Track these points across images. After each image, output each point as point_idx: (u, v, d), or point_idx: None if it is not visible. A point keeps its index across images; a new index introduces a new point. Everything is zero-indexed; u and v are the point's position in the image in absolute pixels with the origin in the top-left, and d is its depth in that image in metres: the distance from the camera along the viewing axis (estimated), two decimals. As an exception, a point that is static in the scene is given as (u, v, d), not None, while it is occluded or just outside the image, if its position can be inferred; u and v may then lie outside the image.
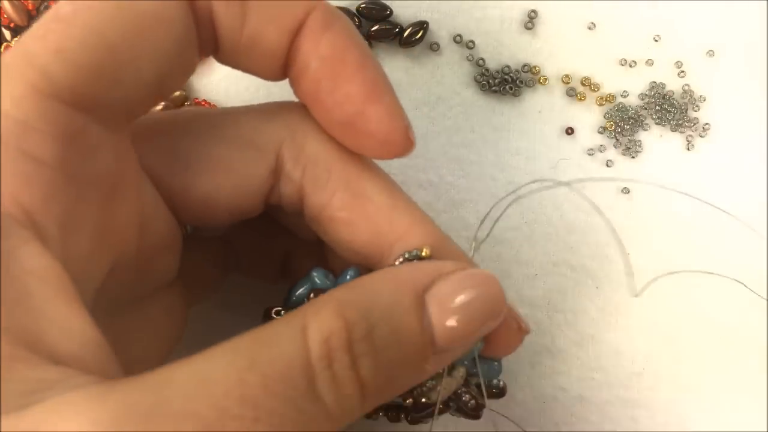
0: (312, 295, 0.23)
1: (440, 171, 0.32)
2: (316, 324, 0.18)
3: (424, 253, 0.22)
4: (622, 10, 0.33)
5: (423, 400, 0.24)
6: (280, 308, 0.26)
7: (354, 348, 0.18)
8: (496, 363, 0.26)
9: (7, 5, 0.31)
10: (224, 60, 0.22)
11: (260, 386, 0.17)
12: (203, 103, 0.32)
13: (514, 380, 0.32)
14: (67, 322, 0.17)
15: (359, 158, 0.23)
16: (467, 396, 0.25)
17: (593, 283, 0.32)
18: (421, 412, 0.25)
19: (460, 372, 0.24)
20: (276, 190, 0.24)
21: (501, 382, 0.26)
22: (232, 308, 0.31)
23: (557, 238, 0.32)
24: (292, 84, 0.23)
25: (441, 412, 0.27)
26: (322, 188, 0.23)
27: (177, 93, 0.32)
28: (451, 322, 0.20)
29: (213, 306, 0.31)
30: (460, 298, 0.20)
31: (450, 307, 0.20)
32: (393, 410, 0.27)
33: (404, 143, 0.22)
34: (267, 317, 0.26)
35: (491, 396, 0.26)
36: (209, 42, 0.21)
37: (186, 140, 0.22)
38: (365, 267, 0.24)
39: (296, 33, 0.21)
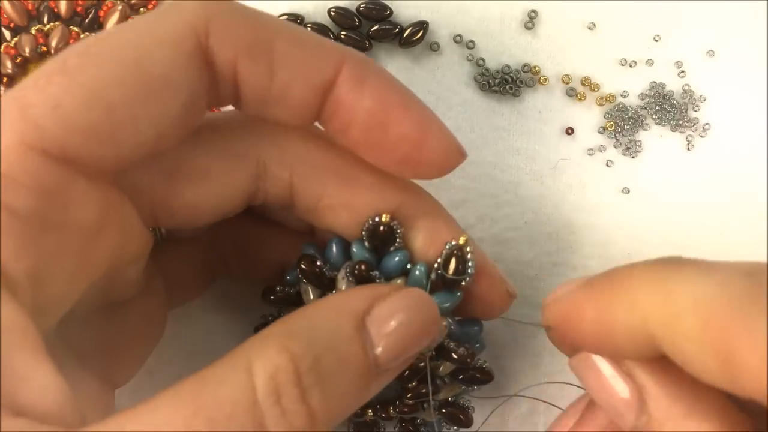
0: (353, 271, 0.24)
1: (440, 171, 0.32)
2: (261, 361, 0.18)
3: (384, 218, 0.24)
4: (622, 10, 0.33)
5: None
6: (277, 286, 0.27)
7: (302, 380, 0.18)
8: (476, 327, 0.26)
9: (7, 5, 0.31)
10: (247, 110, 0.22)
11: (207, 428, 0.17)
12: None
13: (514, 380, 0.32)
14: (32, 374, 0.17)
15: (343, 149, 0.24)
16: (453, 346, 0.26)
17: (593, 283, 0.32)
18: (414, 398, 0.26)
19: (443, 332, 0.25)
20: (260, 192, 0.24)
21: (485, 363, 0.27)
22: (224, 310, 0.31)
23: (557, 238, 0.32)
24: (331, 131, 0.22)
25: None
26: (314, 182, 0.24)
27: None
28: (391, 344, 0.21)
29: (206, 307, 0.31)
30: (397, 319, 0.21)
31: (388, 330, 0.21)
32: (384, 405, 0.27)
33: (459, 159, 0.23)
34: (266, 296, 0.27)
35: (477, 381, 0.27)
36: (228, 98, 0.21)
37: (166, 151, 0.22)
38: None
39: (327, 90, 0.21)
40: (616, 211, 0.32)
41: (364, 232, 0.24)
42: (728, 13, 0.33)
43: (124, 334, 0.24)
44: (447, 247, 0.24)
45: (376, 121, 0.22)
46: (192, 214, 0.23)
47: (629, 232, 0.32)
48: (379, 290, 0.22)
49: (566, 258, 0.32)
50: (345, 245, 0.25)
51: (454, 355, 0.25)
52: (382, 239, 0.24)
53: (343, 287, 0.24)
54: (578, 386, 0.23)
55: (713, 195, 0.32)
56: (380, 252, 0.25)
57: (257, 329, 0.28)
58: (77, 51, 0.19)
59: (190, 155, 0.23)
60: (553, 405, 0.28)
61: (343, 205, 0.24)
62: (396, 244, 0.24)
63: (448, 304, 0.25)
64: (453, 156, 0.23)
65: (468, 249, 0.24)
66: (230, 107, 0.23)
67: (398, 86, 0.22)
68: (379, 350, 0.21)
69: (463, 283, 0.25)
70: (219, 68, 0.20)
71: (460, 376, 0.27)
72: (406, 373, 0.25)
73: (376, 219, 0.24)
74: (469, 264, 0.24)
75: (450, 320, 0.25)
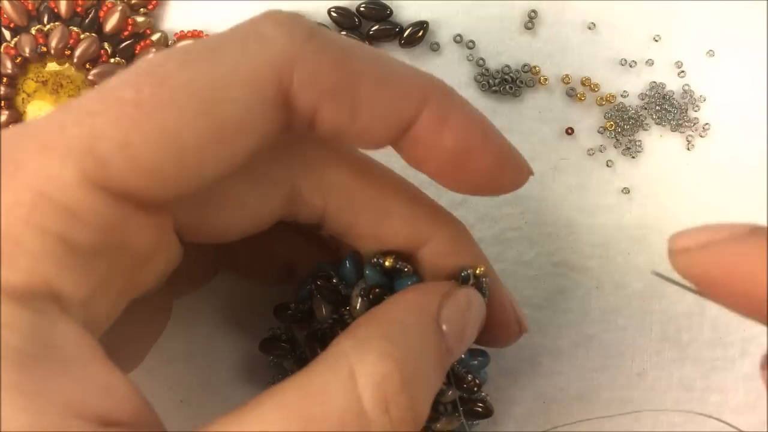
0: (368, 293, 0.24)
1: (440, 171, 0.32)
2: (364, 368, 0.18)
3: (387, 263, 0.24)
4: (622, 10, 0.33)
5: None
6: (290, 303, 0.27)
7: (409, 387, 0.19)
8: (483, 358, 0.27)
9: (7, 5, 0.31)
10: (317, 137, 0.21)
11: None
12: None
13: (514, 380, 0.32)
14: (108, 384, 0.17)
15: (379, 176, 0.24)
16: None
17: (593, 283, 0.32)
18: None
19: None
20: (290, 214, 0.24)
21: (487, 396, 0.27)
22: (224, 309, 0.31)
23: (557, 238, 0.32)
24: (405, 159, 0.22)
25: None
26: (347, 212, 0.23)
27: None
28: (460, 339, 0.22)
29: (206, 306, 0.31)
30: (464, 318, 0.23)
31: (458, 328, 0.22)
32: None
33: (527, 178, 0.23)
34: (278, 313, 0.27)
35: (477, 415, 0.27)
36: (300, 130, 0.20)
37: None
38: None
39: (408, 128, 0.21)
40: (616, 211, 0.32)
41: (375, 259, 0.24)
42: (728, 13, 0.33)
43: (128, 327, 0.24)
44: (463, 274, 0.24)
45: (455, 159, 0.21)
46: (219, 235, 0.23)
47: (629, 232, 0.32)
48: (444, 288, 0.23)
49: (566, 258, 0.32)
50: (359, 262, 0.25)
51: (463, 383, 0.26)
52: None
53: (358, 306, 0.24)
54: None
55: (713, 195, 0.32)
56: (392, 275, 0.25)
57: (266, 341, 0.28)
58: (154, 78, 0.18)
59: (226, 180, 0.22)
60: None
61: (373, 235, 0.24)
62: (406, 270, 0.24)
63: None
64: (524, 178, 0.23)
65: (484, 279, 0.24)
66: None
67: (478, 122, 0.22)
68: (449, 345, 0.22)
69: None
70: (298, 110, 0.19)
71: (462, 407, 0.27)
72: None
73: (381, 261, 0.24)
74: (485, 293, 0.25)
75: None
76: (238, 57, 0.19)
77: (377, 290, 0.24)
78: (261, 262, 0.28)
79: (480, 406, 0.27)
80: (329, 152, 0.23)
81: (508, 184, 0.23)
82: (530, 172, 0.23)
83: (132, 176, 0.17)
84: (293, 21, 0.20)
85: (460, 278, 0.24)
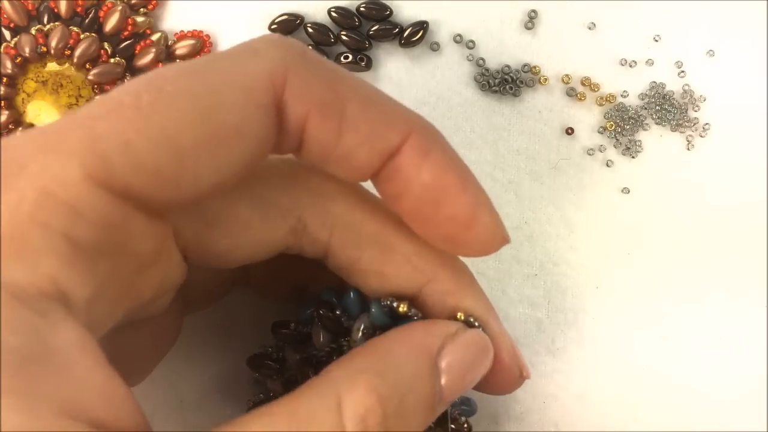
0: (371, 334, 0.24)
1: (440, 171, 0.32)
2: (351, 400, 0.19)
3: (401, 309, 0.23)
4: (622, 10, 0.33)
5: None
6: (290, 322, 0.26)
7: (389, 423, 0.19)
8: (469, 407, 0.27)
9: (7, 5, 0.31)
10: (304, 160, 0.22)
11: None
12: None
13: (514, 380, 0.32)
14: (104, 387, 0.17)
15: (384, 213, 0.24)
16: None
17: (593, 283, 0.32)
18: None
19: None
20: (296, 245, 0.24)
21: (466, 423, 0.27)
22: (224, 318, 0.31)
23: (557, 237, 0.32)
24: (383, 194, 0.22)
25: None
26: (352, 247, 0.23)
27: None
28: (456, 382, 0.22)
29: (206, 314, 0.31)
30: (465, 363, 0.22)
31: (458, 372, 0.22)
32: None
33: (502, 244, 0.23)
34: (276, 330, 0.27)
35: None
36: (290, 148, 0.21)
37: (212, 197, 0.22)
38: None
39: (391, 156, 0.21)
40: (616, 211, 0.32)
41: (387, 302, 0.24)
42: (728, 13, 0.33)
43: (136, 344, 0.24)
44: (463, 318, 0.24)
45: (430, 197, 0.21)
46: (223, 260, 0.23)
47: (629, 232, 0.32)
48: (449, 329, 0.23)
49: (566, 258, 0.32)
50: (363, 295, 0.25)
51: (453, 426, 0.26)
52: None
53: (358, 338, 0.24)
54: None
55: (713, 195, 0.32)
56: (398, 318, 0.24)
57: (255, 357, 0.28)
58: (153, 86, 0.18)
59: (233, 204, 0.22)
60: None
61: (377, 272, 0.24)
62: (416, 318, 0.24)
63: None
64: (498, 242, 0.23)
65: (477, 324, 0.24)
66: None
67: (459, 165, 0.22)
68: (444, 387, 0.21)
69: None
70: (289, 121, 0.20)
71: None
72: None
73: (394, 304, 0.24)
74: None
75: None
76: (234, 66, 0.19)
77: (379, 332, 0.24)
78: (274, 280, 0.28)
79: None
80: (336, 186, 0.23)
81: (480, 243, 0.22)
82: (506, 239, 0.23)
83: (134, 174, 0.18)
84: (286, 40, 0.20)
85: (463, 322, 0.24)
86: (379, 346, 0.21)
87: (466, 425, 0.26)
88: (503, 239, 0.23)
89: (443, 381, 0.21)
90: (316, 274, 0.26)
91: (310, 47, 0.21)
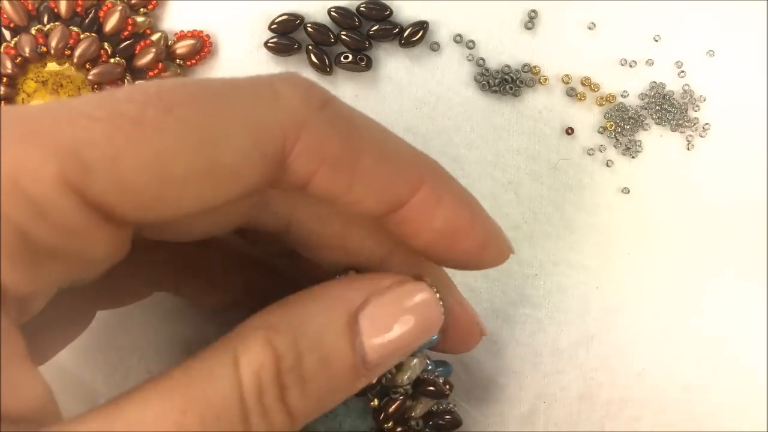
0: None
1: (440, 171, 0.32)
2: (247, 356, 0.18)
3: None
4: (622, 10, 0.33)
5: (391, 384, 0.25)
6: None
7: (282, 379, 0.18)
8: (446, 368, 0.27)
9: (7, 5, 0.31)
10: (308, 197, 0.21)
11: (198, 427, 0.17)
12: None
13: (515, 380, 0.32)
14: (24, 383, 0.17)
15: None
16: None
17: (593, 283, 0.32)
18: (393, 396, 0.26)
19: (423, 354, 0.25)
20: (257, 219, 0.23)
21: (453, 406, 0.27)
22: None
23: (557, 238, 0.32)
24: (395, 234, 0.22)
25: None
26: (315, 221, 0.23)
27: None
28: (384, 343, 0.20)
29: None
30: (394, 320, 0.20)
31: (383, 330, 0.20)
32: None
33: (507, 257, 0.23)
34: None
35: (445, 427, 0.27)
36: (291, 188, 0.20)
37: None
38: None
39: (400, 206, 0.21)
40: (616, 211, 0.32)
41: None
42: (728, 13, 0.33)
43: (49, 324, 0.24)
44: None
45: (442, 239, 0.21)
46: (179, 232, 0.22)
47: (629, 232, 0.32)
48: (380, 283, 0.21)
49: (566, 258, 0.32)
50: None
51: (432, 388, 0.25)
52: None
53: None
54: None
55: (713, 195, 0.32)
56: None
57: None
58: (161, 103, 0.17)
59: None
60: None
61: (339, 246, 0.23)
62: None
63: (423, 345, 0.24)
64: (504, 258, 0.23)
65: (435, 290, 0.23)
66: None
67: (469, 203, 0.22)
68: (369, 349, 0.20)
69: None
70: (292, 173, 0.19)
71: (430, 422, 0.27)
72: (382, 415, 0.26)
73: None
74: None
75: (429, 360, 0.25)
76: (249, 107, 0.18)
77: None
78: (202, 286, 0.27)
79: (447, 418, 0.27)
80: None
81: (489, 262, 0.23)
82: (511, 251, 0.23)
83: (111, 190, 0.17)
84: (310, 87, 0.20)
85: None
86: (287, 301, 0.20)
87: (447, 385, 0.26)
88: (509, 252, 0.23)
89: (365, 340, 0.20)
90: (249, 280, 0.26)
91: (333, 97, 0.20)
